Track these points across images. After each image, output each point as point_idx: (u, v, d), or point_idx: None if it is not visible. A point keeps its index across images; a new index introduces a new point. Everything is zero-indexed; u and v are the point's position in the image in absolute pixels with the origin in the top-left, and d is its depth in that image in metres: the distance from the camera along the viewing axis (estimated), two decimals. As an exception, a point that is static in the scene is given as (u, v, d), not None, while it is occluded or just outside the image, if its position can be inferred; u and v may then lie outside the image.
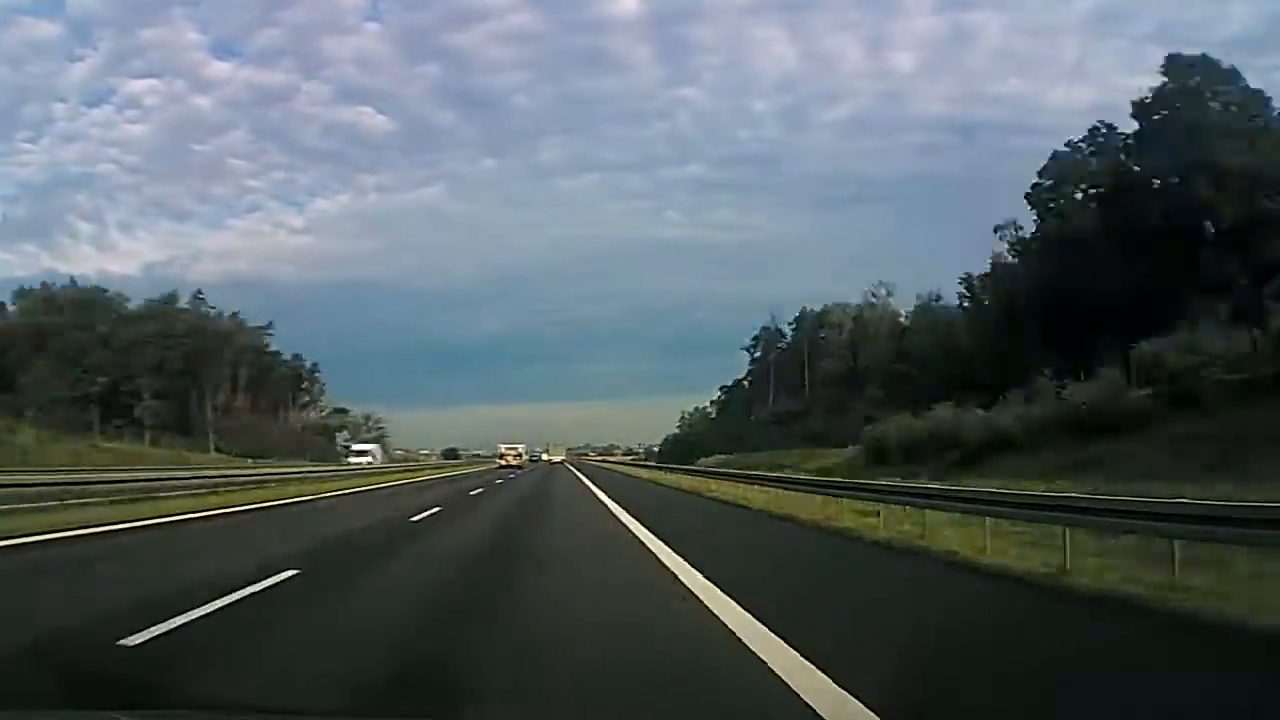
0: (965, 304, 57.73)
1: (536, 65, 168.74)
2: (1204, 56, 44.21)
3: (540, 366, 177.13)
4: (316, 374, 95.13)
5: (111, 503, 16.59)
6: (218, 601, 6.57)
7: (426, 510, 18.12)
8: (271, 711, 3.96)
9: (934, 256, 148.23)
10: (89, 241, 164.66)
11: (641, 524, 14.63)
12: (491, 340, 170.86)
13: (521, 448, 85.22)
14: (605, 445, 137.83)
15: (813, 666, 4.67)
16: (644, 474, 53.03)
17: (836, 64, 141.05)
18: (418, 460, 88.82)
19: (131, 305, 76.08)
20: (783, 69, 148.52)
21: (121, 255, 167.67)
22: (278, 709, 4.06)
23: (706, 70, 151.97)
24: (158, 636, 5.40)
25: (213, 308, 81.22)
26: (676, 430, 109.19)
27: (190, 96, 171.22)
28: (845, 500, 15.41)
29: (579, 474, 51.22)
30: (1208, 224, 39.90)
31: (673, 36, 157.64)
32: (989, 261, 53.97)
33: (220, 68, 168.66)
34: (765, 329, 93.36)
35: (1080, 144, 48.35)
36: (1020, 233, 52.28)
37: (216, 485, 23.48)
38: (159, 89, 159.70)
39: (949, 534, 11.33)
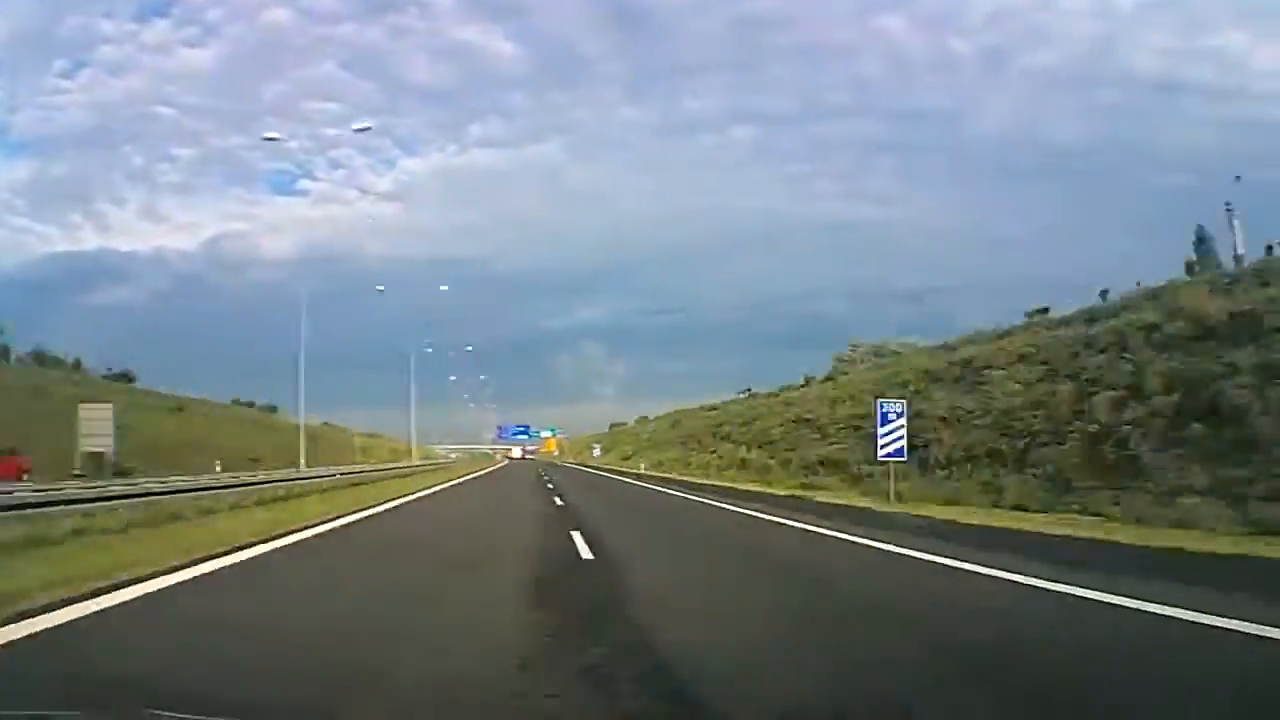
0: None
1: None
2: None
3: (628, 363, 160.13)
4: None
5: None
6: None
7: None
8: (271, 711, 3.87)
9: (1118, 247, 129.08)
10: (139, 209, 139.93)
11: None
12: (584, 331, 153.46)
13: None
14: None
15: None
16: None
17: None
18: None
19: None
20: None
21: (178, 227, 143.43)
22: (277, 709, 3.94)
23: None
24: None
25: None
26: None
27: (267, 8, 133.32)
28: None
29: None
30: None
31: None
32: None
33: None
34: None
35: None
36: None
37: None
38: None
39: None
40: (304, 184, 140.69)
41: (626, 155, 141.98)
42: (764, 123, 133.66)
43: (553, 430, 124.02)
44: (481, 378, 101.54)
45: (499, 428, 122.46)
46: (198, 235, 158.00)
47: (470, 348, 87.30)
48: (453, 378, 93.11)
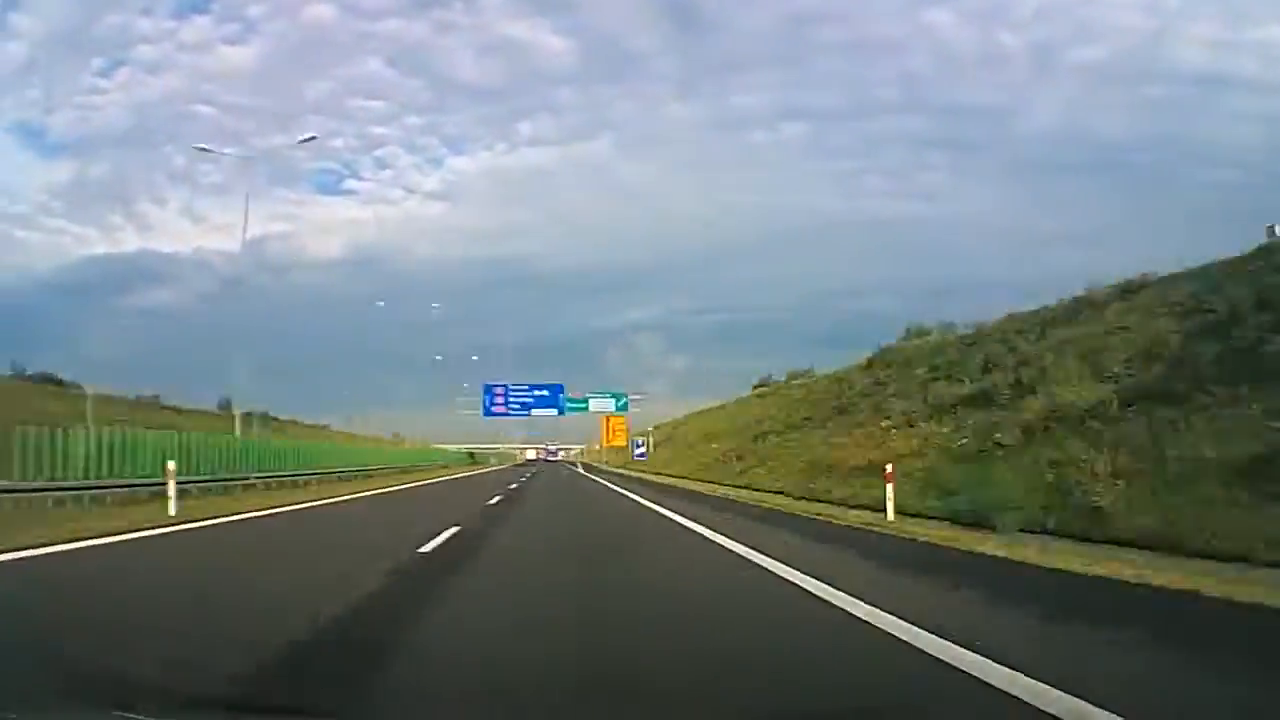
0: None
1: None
2: None
3: (678, 362, 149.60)
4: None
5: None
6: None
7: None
8: (271, 711, 3.60)
9: (1163, 242, 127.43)
10: (181, 209, 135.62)
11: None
12: (633, 329, 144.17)
13: None
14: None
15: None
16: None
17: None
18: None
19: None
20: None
21: (218, 227, 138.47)
22: (278, 709, 3.68)
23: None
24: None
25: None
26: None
27: (309, 4, 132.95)
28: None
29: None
30: None
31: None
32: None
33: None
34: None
35: None
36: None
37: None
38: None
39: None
40: (350, 184, 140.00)
41: (674, 153, 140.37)
42: (814, 119, 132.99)
43: (618, 400, 64.75)
44: (474, 357, 75.14)
45: (487, 393, 62.55)
46: (240, 236, 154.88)
47: (436, 305, 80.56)
48: (439, 356, 72.19)
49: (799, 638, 5.63)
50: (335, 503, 22.60)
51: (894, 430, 24.67)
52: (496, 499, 23.69)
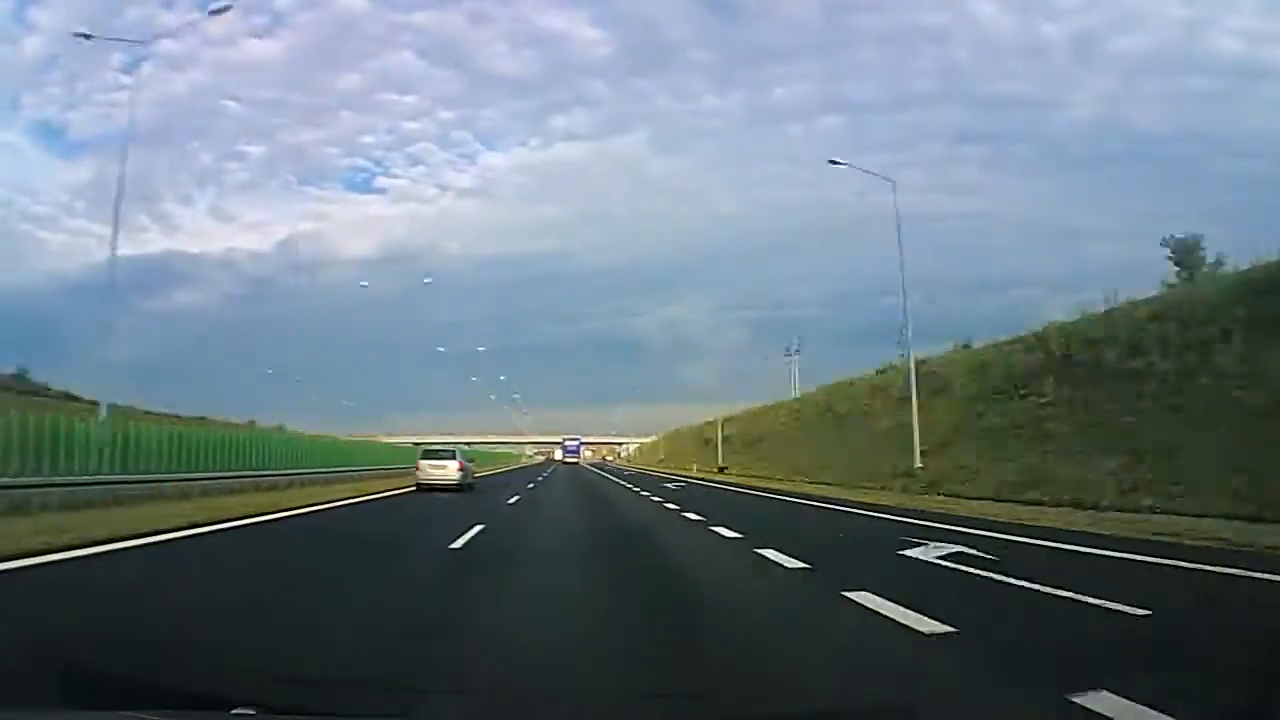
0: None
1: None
2: None
3: (712, 361, 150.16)
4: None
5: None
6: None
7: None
8: (271, 711, 3.25)
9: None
10: (209, 210, 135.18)
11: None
12: (667, 327, 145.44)
13: None
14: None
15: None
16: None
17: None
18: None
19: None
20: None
21: (249, 226, 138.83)
22: (278, 708, 3.37)
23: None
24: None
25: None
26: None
27: None
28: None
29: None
30: None
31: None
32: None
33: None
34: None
35: None
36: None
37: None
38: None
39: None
40: (381, 181, 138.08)
41: (710, 147, 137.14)
42: (852, 111, 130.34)
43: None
44: (485, 360, 79.66)
45: None
46: (270, 235, 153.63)
47: (429, 279, 78.04)
48: (442, 347, 77.84)
49: None
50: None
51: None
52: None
